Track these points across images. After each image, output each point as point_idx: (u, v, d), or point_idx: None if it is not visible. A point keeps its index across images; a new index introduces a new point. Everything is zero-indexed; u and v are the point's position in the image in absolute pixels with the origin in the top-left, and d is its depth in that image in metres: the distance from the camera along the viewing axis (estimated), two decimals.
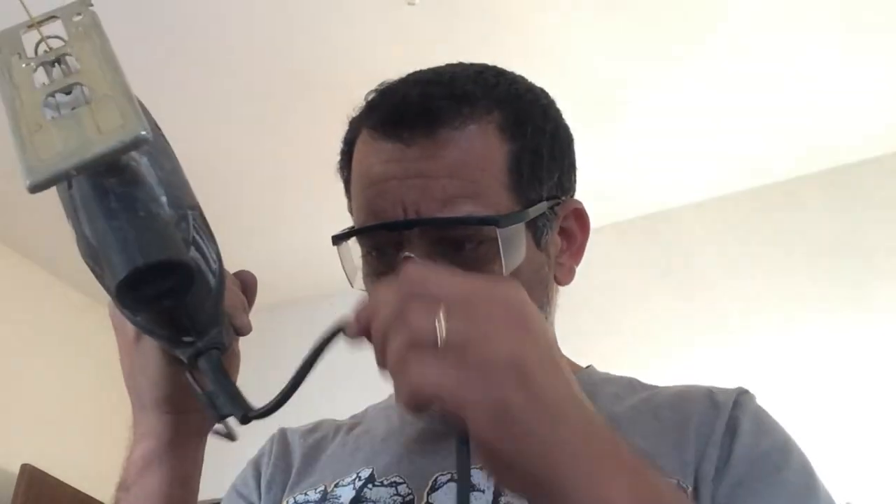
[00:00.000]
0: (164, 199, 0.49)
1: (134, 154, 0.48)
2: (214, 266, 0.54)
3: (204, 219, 0.54)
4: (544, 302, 0.73)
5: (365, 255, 0.72)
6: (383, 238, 0.69)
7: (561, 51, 2.45)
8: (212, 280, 0.53)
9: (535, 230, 0.71)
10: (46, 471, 2.98)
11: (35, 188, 0.42)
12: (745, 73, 2.53)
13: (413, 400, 0.45)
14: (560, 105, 0.78)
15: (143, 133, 0.43)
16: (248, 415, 0.53)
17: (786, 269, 2.77)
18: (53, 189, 0.50)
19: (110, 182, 0.46)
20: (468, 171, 0.68)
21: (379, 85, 0.74)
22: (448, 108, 0.69)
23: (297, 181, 2.90)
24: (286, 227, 3.16)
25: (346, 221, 0.75)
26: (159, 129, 0.57)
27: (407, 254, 0.66)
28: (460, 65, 0.76)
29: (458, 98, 0.70)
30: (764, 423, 0.69)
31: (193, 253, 0.50)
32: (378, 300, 0.48)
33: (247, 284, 0.65)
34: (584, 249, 0.77)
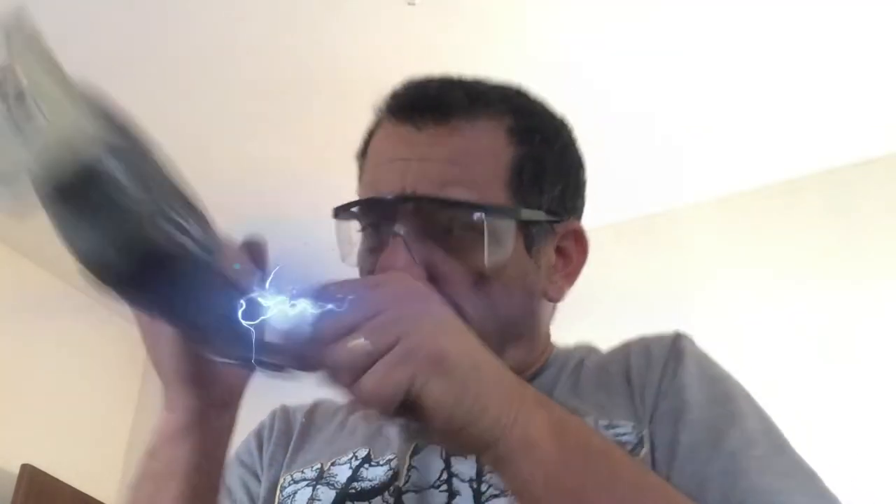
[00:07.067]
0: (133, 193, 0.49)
1: (102, 159, 0.48)
2: (205, 243, 0.53)
3: (183, 197, 0.54)
4: (527, 312, 0.75)
5: (362, 231, 0.75)
6: (379, 213, 0.72)
7: (561, 51, 2.46)
8: (205, 256, 0.52)
9: (527, 235, 0.73)
10: (46, 471, 2.98)
11: None
12: (745, 72, 2.53)
13: (387, 399, 0.51)
14: (560, 106, 0.80)
15: (94, 154, 0.45)
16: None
17: (786, 269, 2.77)
18: None
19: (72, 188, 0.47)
20: (469, 160, 0.71)
21: (406, 79, 0.78)
22: (462, 101, 0.73)
23: (298, 179, 2.90)
24: (287, 225, 3.16)
25: None
26: (128, 126, 0.55)
27: (396, 231, 0.69)
28: (488, 78, 0.79)
29: (475, 95, 0.74)
30: (707, 370, 0.72)
31: (168, 229, 0.50)
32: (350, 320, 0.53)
33: (256, 251, 0.64)
34: (579, 272, 0.78)
